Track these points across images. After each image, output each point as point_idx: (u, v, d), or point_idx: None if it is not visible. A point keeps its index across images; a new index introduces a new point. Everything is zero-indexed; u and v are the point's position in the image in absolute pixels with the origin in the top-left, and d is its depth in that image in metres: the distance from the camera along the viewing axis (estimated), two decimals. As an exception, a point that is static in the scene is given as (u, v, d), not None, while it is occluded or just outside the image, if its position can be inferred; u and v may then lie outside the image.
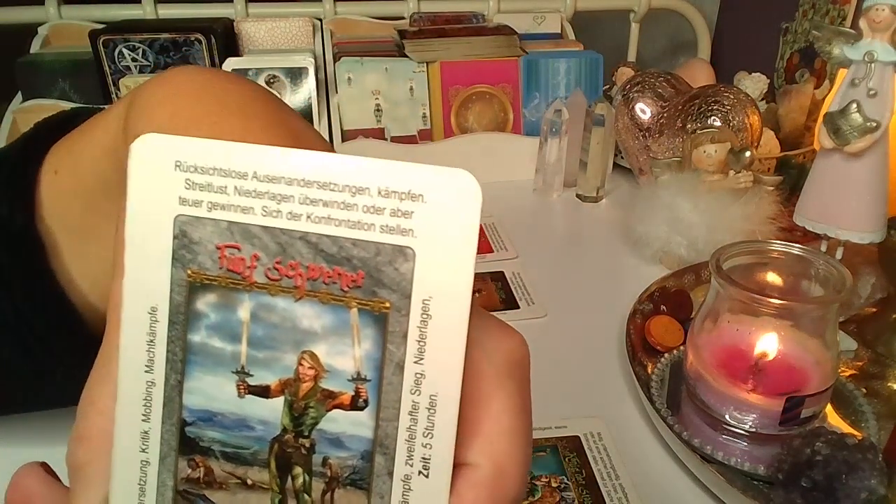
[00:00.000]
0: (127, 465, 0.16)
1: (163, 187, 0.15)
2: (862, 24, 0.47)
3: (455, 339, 0.15)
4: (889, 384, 0.47)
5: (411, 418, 0.15)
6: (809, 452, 0.34)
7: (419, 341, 0.15)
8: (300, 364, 0.15)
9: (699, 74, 0.88)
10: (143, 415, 0.16)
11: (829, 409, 0.42)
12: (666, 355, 0.48)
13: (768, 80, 0.89)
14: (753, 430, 0.39)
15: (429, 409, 0.15)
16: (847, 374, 0.47)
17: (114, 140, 0.25)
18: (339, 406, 0.15)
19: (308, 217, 0.15)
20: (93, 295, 0.31)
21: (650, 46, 1.19)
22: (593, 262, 0.67)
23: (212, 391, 0.16)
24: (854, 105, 0.47)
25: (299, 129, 0.23)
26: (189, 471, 0.16)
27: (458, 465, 0.15)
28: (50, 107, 0.78)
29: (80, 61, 0.80)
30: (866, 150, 0.47)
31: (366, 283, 0.15)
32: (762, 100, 0.87)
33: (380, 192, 0.14)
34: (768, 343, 0.40)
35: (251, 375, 0.15)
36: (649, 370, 0.47)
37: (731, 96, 0.68)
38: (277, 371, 0.15)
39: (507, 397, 0.17)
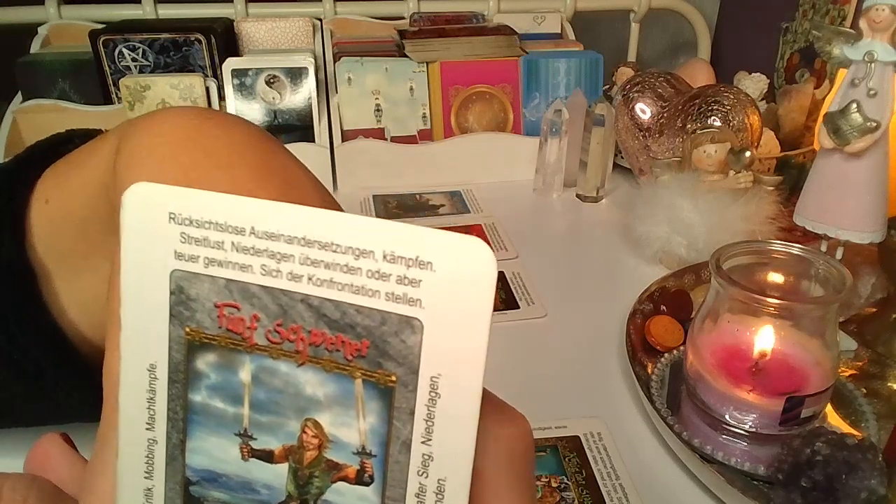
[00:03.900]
0: None
1: (158, 240, 0.14)
2: (862, 24, 0.47)
3: (465, 422, 0.14)
4: (889, 384, 0.47)
5: (418, 501, 0.14)
6: (809, 452, 0.34)
7: (427, 420, 0.14)
8: (304, 432, 0.15)
9: (699, 74, 0.88)
10: (146, 472, 0.15)
11: (829, 409, 0.42)
12: (666, 355, 0.48)
13: (768, 80, 0.89)
14: (753, 430, 0.39)
15: (437, 494, 0.14)
16: (847, 374, 0.47)
17: (103, 178, 0.25)
18: (344, 479, 0.15)
19: (309, 279, 0.14)
20: (83, 324, 0.31)
21: (650, 46, 1.19)
22: (593, 262, 0.67)
23: (215, 452, 0.15)
24: (854, 105, 0.47)
25: (294, 178, 0.22)
26: None
27: None
28: (50, 107, 0.78)
29: (80, 61, 0.80)
30: (866, 150, 0.47)
31: (370, 354, 0.14)
32: (762, 100, 0.87)
33: (385, 257, 0.13)
34: (768, 343, 0.40)
35: (255, 439, 0.15)
36: (649, 370, 0.47)
37: (731, 96, 0.68)
38: (281, 437, 0.15)
39: (511, 495, 0.15)
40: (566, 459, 0.40)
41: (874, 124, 0.46)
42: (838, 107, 0.48)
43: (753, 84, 0.87)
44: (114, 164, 0.24)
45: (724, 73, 0.99)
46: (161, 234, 0.14)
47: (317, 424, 0.14)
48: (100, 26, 0.82)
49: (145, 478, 0.15)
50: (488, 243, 0.68)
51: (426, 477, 0.14)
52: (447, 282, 0.13)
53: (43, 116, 0.77)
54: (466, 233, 0.76)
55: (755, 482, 0.37)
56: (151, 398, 0.15)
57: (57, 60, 0.80)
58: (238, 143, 0.23)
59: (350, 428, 0.14)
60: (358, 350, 0.14)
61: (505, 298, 0.58)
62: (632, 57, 1.06)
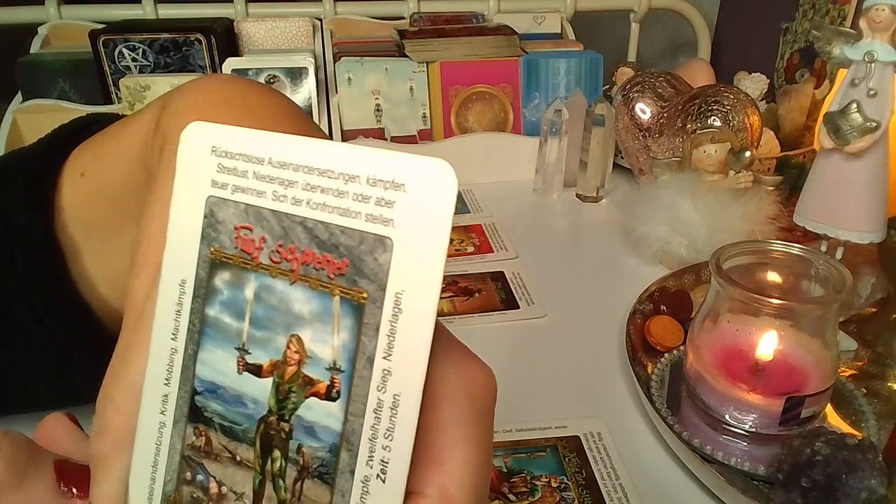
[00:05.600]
0: (148, 426, 0.17)
1: (201, 170, 0.16)
2: (862, 24, 0.47)
3: (421, 337, 0.14)
4: (889, 384, 0.47)
5: (375, 416, 0.15)
6: (809, 452, 0.34)
7: (389, 336, 0.15)
8: (288, 347, 0.16)
9: (699, 74, 0.88)
10: (166, 379, 0.17)
11: (829, 409, 0.42)
12: (666, 355, 0.48)
13: (768, 80, 0.89)
14: (753, 430, 0.39)
15: (392, 409, 0.15)
16: (847, 374, 0.47)
17: (144, 142, 0.26)
18: (316, 394, 0.15)
19: (307, 203, 0.15)
20: (112, 297, 0.31)
21: (650, 46, 1.19)
22: (593, 262, 0.67)
23: (218, 365, 0.16)
24: (854, 105, 0.47)
25: None
26: (193, 438, 0.17)
27: (408, 494, 0.15)
28: (50, 107, 0.78)
29: (80, 61, 0.80)
30: (866, 150, 0.47)
31: (349, 272, 0.15)
32: (762, 100, 0.87)
33: (368, 181, 0.15)
34: (768, 343, 0.40)
35: (249, 353, 0.16)
36: (649, 370, 0.47)
37: (731, 96, 0.68)
38: (270, 352, 0.16)
39: (465, 427, 0.16)
40: (566, 459, 0.40)
41: (874, 124, 0.46)
42: (838, 107, 0.48)
43: (753, 84, 0.87)
44: (155, 127, 0.25)
45: (724, 73, 0.99)
46: (204, 165, 0.16)
47: (299, 340, 0.15)
48: (100, 26, 0.82)
49: (164, 384, 0.17)
50: (489, 243, 0.67)
51: (384, 392, 0.15)
52: (415, 202, 0.14)
53: (43, 116, 0.77)
54: (466, 233, 0.75)
55: (755, 482, 0.37)
56: (178, 311, 0.17)
57: (57, 60, 0.80)
58: (276, 107, 0.24)
59: (326, 344, 0.15)
60: (339, 269, 0.15)
61: (505, 298, 0.58)
62: (632, 57, 1.06)
